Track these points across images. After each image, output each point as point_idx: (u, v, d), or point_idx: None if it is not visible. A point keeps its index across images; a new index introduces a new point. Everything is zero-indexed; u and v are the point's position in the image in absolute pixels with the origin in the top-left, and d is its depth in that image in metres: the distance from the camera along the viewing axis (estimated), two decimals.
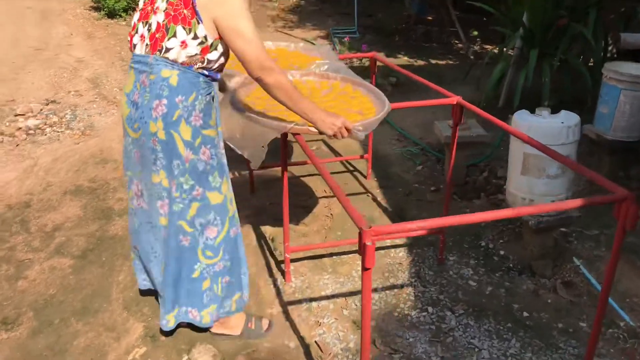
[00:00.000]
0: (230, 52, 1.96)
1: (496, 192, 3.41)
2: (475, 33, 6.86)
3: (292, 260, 2.80)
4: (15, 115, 4.63)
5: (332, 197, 3.49)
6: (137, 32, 1.96)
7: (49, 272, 2.76)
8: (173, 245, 2.06)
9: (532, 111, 2.70)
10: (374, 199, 3.47)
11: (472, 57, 6.50)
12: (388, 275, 2.74)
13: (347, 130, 2.03)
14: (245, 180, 3.59)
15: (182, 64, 1.86)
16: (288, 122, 2.07)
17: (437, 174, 3.78)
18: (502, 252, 2.90)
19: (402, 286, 2.66)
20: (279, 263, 2.83)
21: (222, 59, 1.96)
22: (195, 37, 1.84)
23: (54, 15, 8.07)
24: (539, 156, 2.52)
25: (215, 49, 1.89)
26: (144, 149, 1.95)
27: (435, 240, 2.98)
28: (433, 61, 6.49)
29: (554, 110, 2.72)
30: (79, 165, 3.90)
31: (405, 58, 6.55)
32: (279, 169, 2.63)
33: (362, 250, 1.46)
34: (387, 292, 2.61)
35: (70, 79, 5.68)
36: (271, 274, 2.75)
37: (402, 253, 2.91)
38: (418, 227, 1.50)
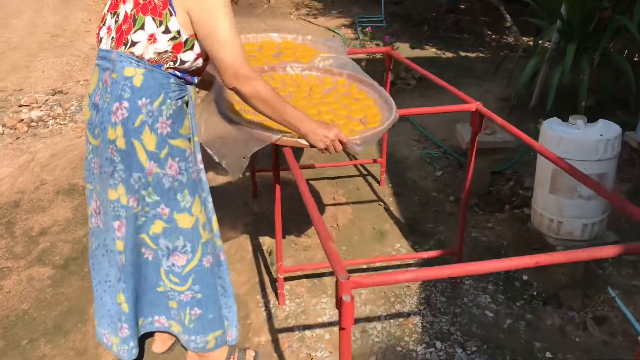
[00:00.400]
0: None
1: (522, 205, 3.06)
2: (509, 24, 6.42)
3: (289, 279, 2.54)
4: (20, 106, 4.47)
5: (340, 204, 3.20)
6: (104, 24, 1.70)
7: (26, 283, 2.56)
8: (132, 260, 1.78)
9: (569, 112, 2.35)
10: (386, 209, 3.17)
11: (520, 39, 6.00)
12: (394, 301, 2.44)
13: (342, 143, 1.75)
14: (248, 183, 3.33)
15: (149, 61, 1.61)
16: (274, 132, 1.79)
17: (459, 181, 3.45)
18: (525, 277, 2.57)
19: (408, 314, 2.36)
20: (274, 281, 2.56)
21: (199, 62, 1.68)
22: (167, 31, 1.58)
23: (75, 0, 7.93)
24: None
25: (191, 48, 1.63)
26: (102, 158, 1.70)
27: (451, 260, 2.67)
28: (463, 53, 6.09)
29: (592, 113, 2.37)
30: (77, 161, 3.70)
31: (433, 50, 6.17)
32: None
33: (338, 305, 1.18)
34: (391, 321, 2.32)
35: (82, 67, 5.51)
36: (264, 294, 2.49)
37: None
38: (410, 277, 1.21)
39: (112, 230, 1.76)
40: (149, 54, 1.59)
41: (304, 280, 2.56)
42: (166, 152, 1.67)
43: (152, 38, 1.58)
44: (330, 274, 2.60)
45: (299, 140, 1.77)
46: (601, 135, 2.18)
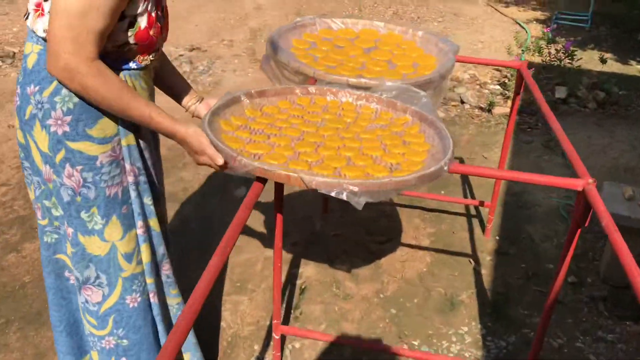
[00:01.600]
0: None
1: None
2: None
3: (301, 337, 2.01)
4: None
5: (419, 248, 2.54)
6: None
7: None
8: (55, 283, 1.48)
9: None
10: (476, 270, 2.43)
11: None
12: None
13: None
14: (319, 195, 2.81)
15: (44, 39, 1.21)
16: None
17: (596, 256, 2.54)
18: None
19: None
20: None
21: (121, 37, 1.22)
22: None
23: None
24: None
25: None
26: None
27: None
28: None
29: None
30: None
31: (638, 67, 4.88)
32: None
33: None
34: None
35: (234, 26, 5.38)
36: (265, 346, 2.00)
37: None
38: None
39: None
40: (40, 32, 1.20)
41: (320, 343, 2.01)
42: (62, 157, 1.27)
43: (38, 9, 1.19)
44: (353, 352, 2.01)
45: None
46: None
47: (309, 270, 2.37)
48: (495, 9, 6.44)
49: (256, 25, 5.41)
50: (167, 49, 4.58)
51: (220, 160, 1.26)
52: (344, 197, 1.16)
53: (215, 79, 4.21)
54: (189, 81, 4.11)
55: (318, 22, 2.34)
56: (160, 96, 1.56)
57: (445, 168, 1.32)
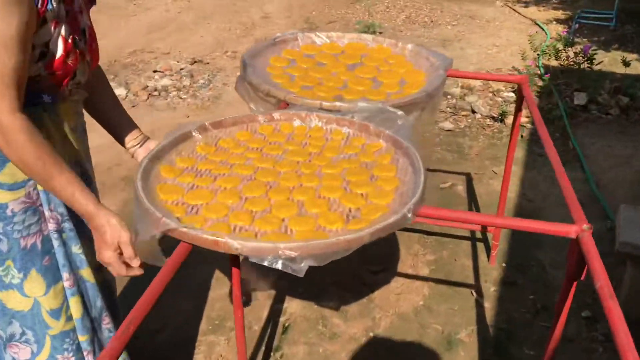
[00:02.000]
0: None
1: None
2: None
3: None
4: (154, 72, 4.34)
5: (416, 278, 2.34)
6: None
7: None
8: None
9: None
10: (478, 303, 2.21)
11: None
12: None
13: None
14: None
15: None
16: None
17: (613, 284, 2.28)
18: None
19: None
20: None
21: (32, 70, 1.08)
22: None
23: None
24: None
25: None
26: None
27: None
28: None
29: None
30: None
31: None
32: None
33: None
34: None
35: (240, 37, 5.24)
36: None
37: None
38: None
39: None
40: None
41: None
42: None
43: None
44: None
45: None
46: None
47: (293, 305, 2.19)
48: (514, 10, 6.15)
49: (262, 35, 5.26)
50: (168, 62, 4.46)
51: (135, 262, 1.11)
52: (278, 266, 0.99)
53: (215, 93, 4.07)
54: (187, 95, 4.01)
55: (300, 37, 2.17)
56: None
57: (409, 215, 1.13)
